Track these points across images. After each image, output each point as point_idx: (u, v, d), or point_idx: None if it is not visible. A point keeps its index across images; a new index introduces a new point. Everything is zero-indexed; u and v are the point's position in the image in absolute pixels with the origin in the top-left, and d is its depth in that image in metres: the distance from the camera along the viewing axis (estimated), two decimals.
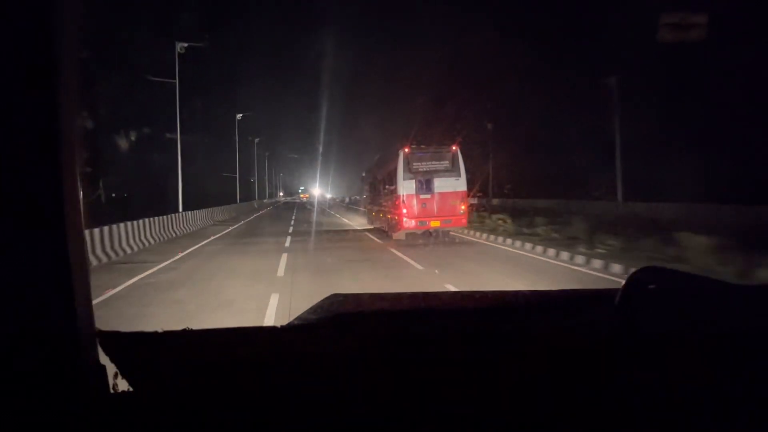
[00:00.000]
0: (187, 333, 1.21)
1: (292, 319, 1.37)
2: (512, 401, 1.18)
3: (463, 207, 17.55)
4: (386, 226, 19.83)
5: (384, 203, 20.30)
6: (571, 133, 33.69)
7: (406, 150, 17.59)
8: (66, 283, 1.09)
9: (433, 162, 17.61)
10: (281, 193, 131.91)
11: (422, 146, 18.12)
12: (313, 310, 1.42)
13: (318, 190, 71.64)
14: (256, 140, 52.84)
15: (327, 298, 1.51)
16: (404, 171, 17.37)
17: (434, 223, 17.32)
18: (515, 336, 1.30)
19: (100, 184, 24.58)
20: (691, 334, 1.26)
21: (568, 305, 1.56)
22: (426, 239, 18.28)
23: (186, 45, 26.51)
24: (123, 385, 1.19)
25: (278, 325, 1.33)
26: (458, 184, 17.53)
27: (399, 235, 17.97)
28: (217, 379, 1.19)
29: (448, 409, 1.16)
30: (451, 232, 19.00)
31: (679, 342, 1.25)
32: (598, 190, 32.93)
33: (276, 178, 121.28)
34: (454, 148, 17.99)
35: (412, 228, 17.39)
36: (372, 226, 23.58)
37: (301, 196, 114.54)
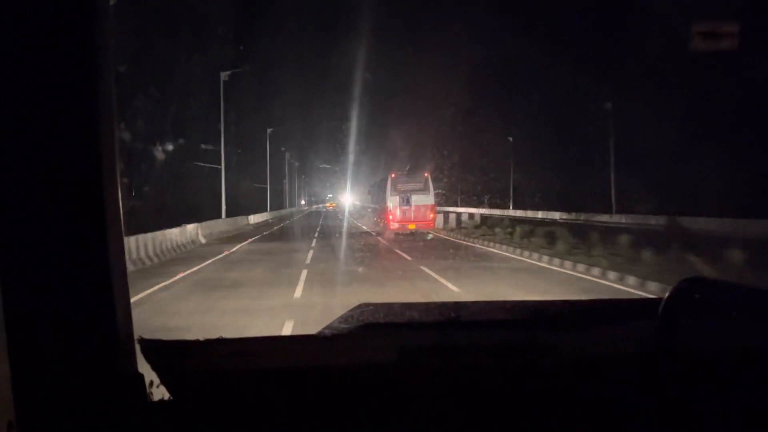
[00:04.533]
0: (223, 341, 1.21)
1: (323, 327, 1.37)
2: (552, 413, 1.16)
3: (431, 215, 25.26)
4: (380, 227, 27.50)
5: (379, 211, 28.33)
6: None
7: (393, 175, 25.74)
8: (106, 290, 1.09)
9: (411, 183, 25.39)
10: (303, 202, 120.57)
11: (403, 173, 26.37)
12: (344, 319, 1.40)
13: (349, 198, 67.16)
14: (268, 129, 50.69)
15: (356, 308, 1.50)
16: (391, 190, 25.15)
17: (411, 226, 24.83)
18: (555, 347, 1.26)
19: (134, 194, 25.16)
20: (737, 347, 1.22)
21: (606, 316, 1.51)
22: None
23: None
24: (158, 393, 1.19)
25: (311, 333, 1.33)
26: (428, 199, 25.23)
27: (388, 234, 25.09)
28: (253, 387, 1.19)
29: (488, 420, 1.15)
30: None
31: (724, 355, 1.21)
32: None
33: (301, 184, 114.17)
34: (426, 174, 25.83)
35: (396, 229, 24.77)
36: (375, 228, 31.29)
37: (327, 205, 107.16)
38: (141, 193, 26.93)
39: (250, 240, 24.87)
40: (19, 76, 1.04)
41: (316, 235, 27.59)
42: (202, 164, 29.85)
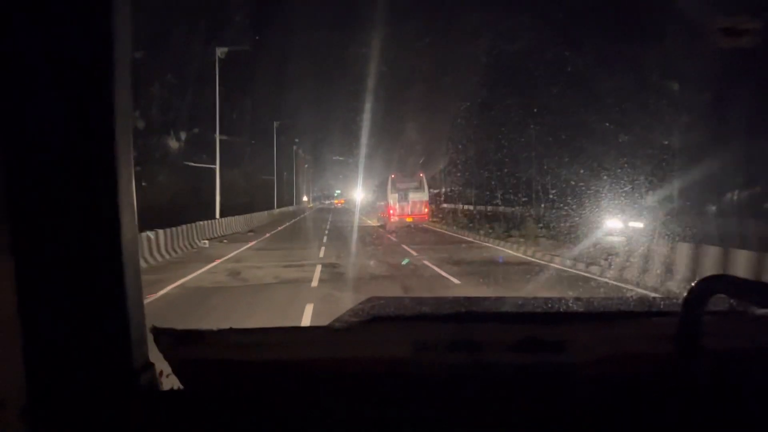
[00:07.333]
0: (234, 331, 1.22)
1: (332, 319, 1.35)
2: (564, 413, 1.15)
3: (425, 209, 31.23)
4: (383, 221, 33.49)
5: (382, 207, 34.77)
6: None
7: (392, 176, 31.87)
8: (119, 279, 1.10)
9: (408, 183, 31.16)
10: (305, 198, 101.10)
11: (401, 174, 32.30)
12: (354, 313, 1.39)
13: (362, 194, 58.26)
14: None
15: (367, 301, 1.49)
16: (391, 188, 31.04)
17: (408, 219, 30.65)
18: (571, 343, 1.24)
19: (143, 184, 25.06)
20: (760, 348, 1.19)
21: (624, 314, 1.47)
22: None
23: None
24: (168, 383, 1.21)
25: (322, 325, 1.32)
26: (423, 196, 31.18)
27: (389, 226, 30.01)
28: (264, 378, 1.19)
29: (502, 417, 1.14)
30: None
31: (748, 359, 1.18)
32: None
33: (307, 177, 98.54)
34: (420, 174, 32.06)
35: (395, 222, 30.34)
36: (378, 223, 36.60)
37: (336, 202, 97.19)
38: (154, 184, 26.96)
39: None
40: (35, 64, 1.04)
41: None
42: None
